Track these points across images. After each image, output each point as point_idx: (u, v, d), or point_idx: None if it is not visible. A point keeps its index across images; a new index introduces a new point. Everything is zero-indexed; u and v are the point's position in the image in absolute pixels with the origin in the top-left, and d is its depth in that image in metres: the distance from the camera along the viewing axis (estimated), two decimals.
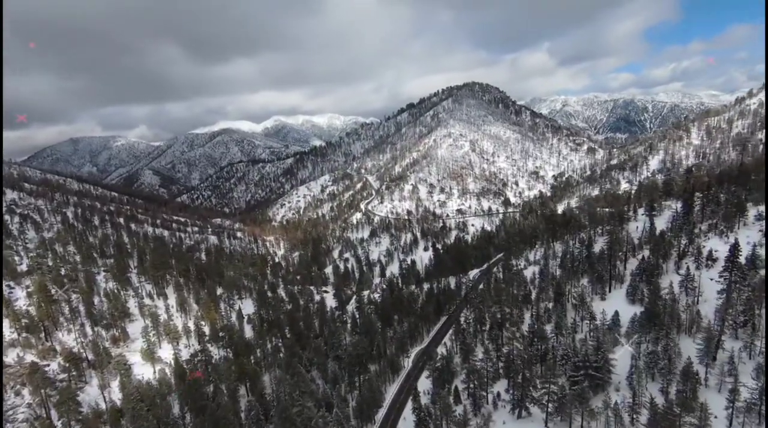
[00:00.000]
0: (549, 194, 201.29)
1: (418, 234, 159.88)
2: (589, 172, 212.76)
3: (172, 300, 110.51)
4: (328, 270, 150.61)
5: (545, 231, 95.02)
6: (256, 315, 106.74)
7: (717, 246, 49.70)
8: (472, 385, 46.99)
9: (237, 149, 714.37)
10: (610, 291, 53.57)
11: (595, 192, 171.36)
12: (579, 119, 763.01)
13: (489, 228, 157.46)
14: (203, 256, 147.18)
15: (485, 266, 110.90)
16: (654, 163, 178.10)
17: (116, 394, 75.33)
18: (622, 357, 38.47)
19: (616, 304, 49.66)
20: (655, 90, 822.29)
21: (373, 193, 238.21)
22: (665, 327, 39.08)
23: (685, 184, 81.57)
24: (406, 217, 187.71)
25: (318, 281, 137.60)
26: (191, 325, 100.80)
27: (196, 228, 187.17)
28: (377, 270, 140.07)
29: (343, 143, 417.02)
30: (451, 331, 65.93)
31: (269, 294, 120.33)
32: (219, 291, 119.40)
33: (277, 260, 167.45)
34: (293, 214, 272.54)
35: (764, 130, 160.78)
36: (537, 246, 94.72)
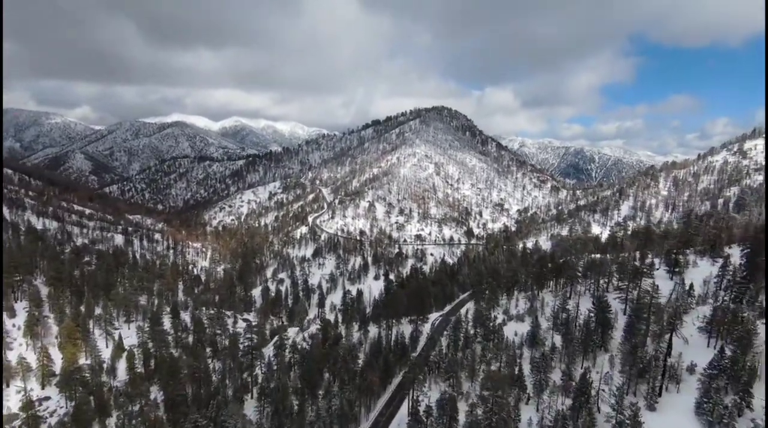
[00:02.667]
0: (514, 229, 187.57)
1: (370, 259, 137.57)
2: (554, 211, 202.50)
3: (22, 319, 79.84)
4: (257, 292, 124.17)
5: (528, 275, 76.24)
6: (139, 350, 78.57)
7: None
8: None
9: (187, 144, 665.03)
10: (660, 395, 34.40)
11: (564, 231, 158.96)
12: (533, 161, 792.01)
13: (450, 261, 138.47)
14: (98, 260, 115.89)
15: (447, 308, 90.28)
16: (624, 208, 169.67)
17: None
18: None
19: (679, 423, 30.44)
20: (601, 143, 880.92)
21: (325, 206, 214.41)
22: None
23: (706, 234, 66.06)
24: (358, 238, 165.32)
25: (239, 306, 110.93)
26: (33, 360, 71.18)
27: (102, 224, 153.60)
28: (315, 298, 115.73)
29: (301, 151, 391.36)
30: (402, 424, 43.45)
31: (169, 319, 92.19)
32: (98, 310, 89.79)
33: (196, 273, 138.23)
34: (233, 220, 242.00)
35: (737, 181, 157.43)
36: (516, 292, 75.53)
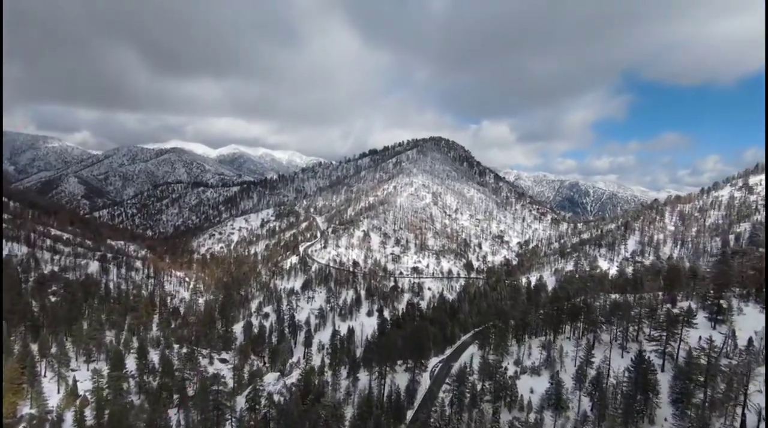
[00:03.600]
0: (515, 262, 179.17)
1: (363, 293, 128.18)
2: (556, 244, 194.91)
3: None
4: (239, 327, 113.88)
5: (538, 316, 67.63)
6: (93, 398, 68.13)
7: None
8: None
9: (184, 170, 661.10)
10: None
11: (569, 266, 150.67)
12: (530, 194, 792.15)
13: (449, 296, 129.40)
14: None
15: (448, 352, 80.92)
16: (631, 243, 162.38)
17: None
18: None
19: None
20: (594, 178, 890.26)
21: (318, 234, 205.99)
22: None
23: (741, 274, 58.17)
24: (351, 269, 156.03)
25: (217, 343, 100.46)
26: None
27: (79, 249, 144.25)
28: (302, 335, 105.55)
29: (297, 179, 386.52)
30: None
31: (134, 359, 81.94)
32: (54, 349, 79.56)
33: (176, 305, 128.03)
34: (222, 247, 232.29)
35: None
36: (526, 338, 66.62)
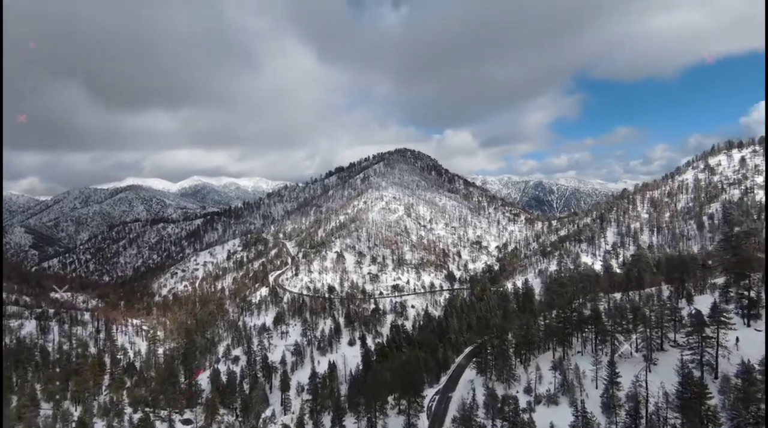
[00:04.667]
0: (497, 267, 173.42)
1: (342, 321, 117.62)
2: (535, 244, 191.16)
3: None
4: (204, 377, 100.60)
5: (540, 330, 59.96)
6: None
7: None
8: None
9: (143, 208, 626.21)
10: None
11: (553, 266, 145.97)
12: (498, 196, 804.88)
13: (434, 312, 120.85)
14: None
15: (444, 380, 71.82)
16: (609, 235, 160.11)
17: None
18: None
19: None
20: (556, 176, 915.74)
21: (289, 261, 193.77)
22: None
23: (749, 258, 52.60)
24: (327, 295, 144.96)
25: (177, 401, 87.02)
26: None
27: (13, 309, 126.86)
28: (277, 378, 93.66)
29: (263, 205, 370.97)
30: None
31: None
32: None
33: (131, 359, 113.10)
34: (186, 285, 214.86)
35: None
36: (530, 356, 58.68)
